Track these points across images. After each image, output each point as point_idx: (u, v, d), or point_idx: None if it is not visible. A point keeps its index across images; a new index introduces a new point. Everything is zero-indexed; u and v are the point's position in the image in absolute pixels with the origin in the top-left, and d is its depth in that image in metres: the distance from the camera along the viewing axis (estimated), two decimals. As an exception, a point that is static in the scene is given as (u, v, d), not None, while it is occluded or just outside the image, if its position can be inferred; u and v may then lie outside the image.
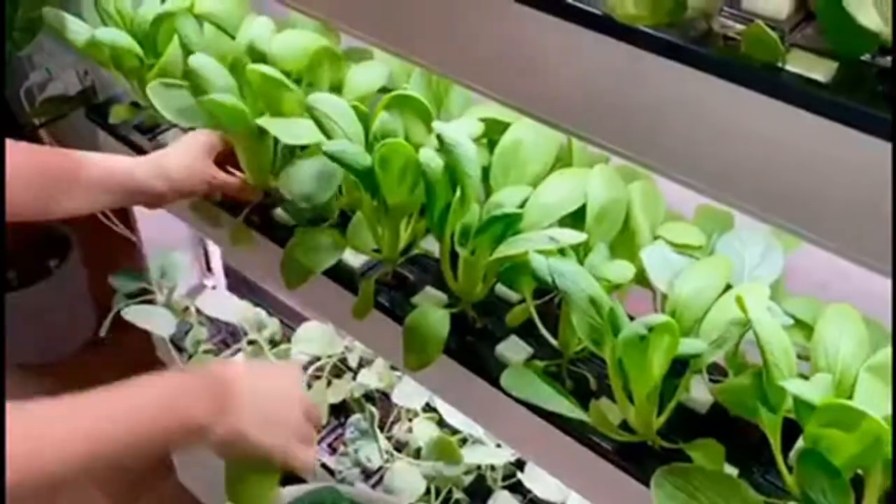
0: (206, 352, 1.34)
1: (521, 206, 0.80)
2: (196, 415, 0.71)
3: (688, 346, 0.68)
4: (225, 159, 1.00)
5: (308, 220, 0.93)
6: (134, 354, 1.52)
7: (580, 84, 0.59)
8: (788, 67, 0.51)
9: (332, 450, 1.20)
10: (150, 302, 1.37)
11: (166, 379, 0.77)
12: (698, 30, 0.55)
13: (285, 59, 0.95)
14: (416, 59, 0.74)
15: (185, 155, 0.97)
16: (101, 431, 0.66)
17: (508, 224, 0.77)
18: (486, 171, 0.84)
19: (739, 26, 0.55)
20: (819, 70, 0.52)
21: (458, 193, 0.77)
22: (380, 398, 1.25)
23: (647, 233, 0.79)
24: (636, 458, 0.75)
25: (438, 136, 0.75)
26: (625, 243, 0.80)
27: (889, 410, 0.61)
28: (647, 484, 0.70)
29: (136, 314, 1.32)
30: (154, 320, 1.33)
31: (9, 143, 0.84)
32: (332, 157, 0.81)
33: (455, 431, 1.15)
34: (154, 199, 0.95)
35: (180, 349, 1.36)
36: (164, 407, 0.70)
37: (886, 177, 0.48)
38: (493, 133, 0.85)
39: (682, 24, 0.54)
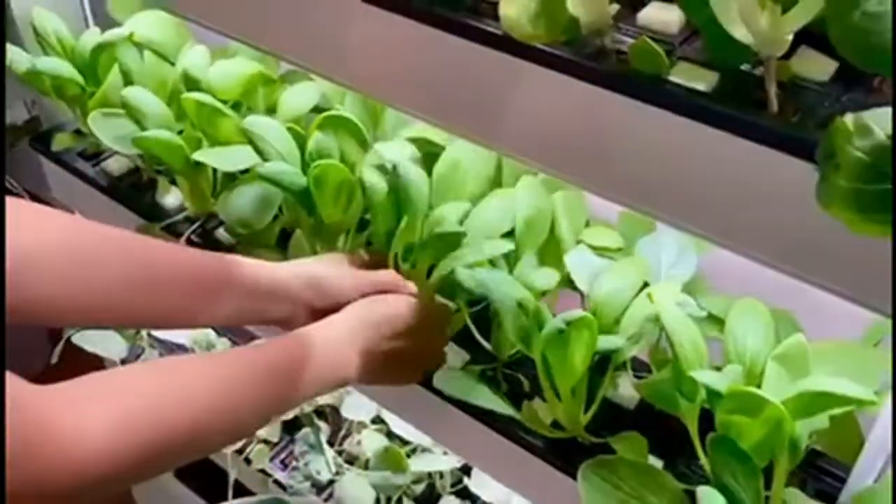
0: (158, 375, 1.35)
1: (461, 221, 0.84)
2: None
3: (606, 341, 0.72)
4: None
5: (249, 239, 0.95)
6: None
7: (491, 99, 0.63)
8: (673, 78, 0.56)
9: (284, 465, 1.22)
10: (101, 327, 1.38)
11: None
12: (593, 46, 0.59)
13: (221, 87, 0.98)
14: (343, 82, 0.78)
15: (328, 262, 0.84)
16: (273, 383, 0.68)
17: (449, 242, 0.81)
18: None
19: (633, 41, 0.60)
20: (702, 80, 0.56)
21: (405, 221, 0.81)
22: (331, 413, 1.27)
23: (571, 239, 0.83)
24: (565, 454, 0.78)
25: (392, 166, 0.78)
26: (551, 250, 0.84)
27: (791, 394, 0.65)
28: (576, 478, 0.73)
29: (87, 340, 1.34)
30: (105, 345, 1.34)
31: (146, 241, 0.76)
32: (268, 179, 0.84)
33: (404, 442, 1.17)
34: (291, 317, 0.80)
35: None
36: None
37: (762, 176, 0.52)
38: (422, 151, 0.89)
39: (577, 41, 0.59)
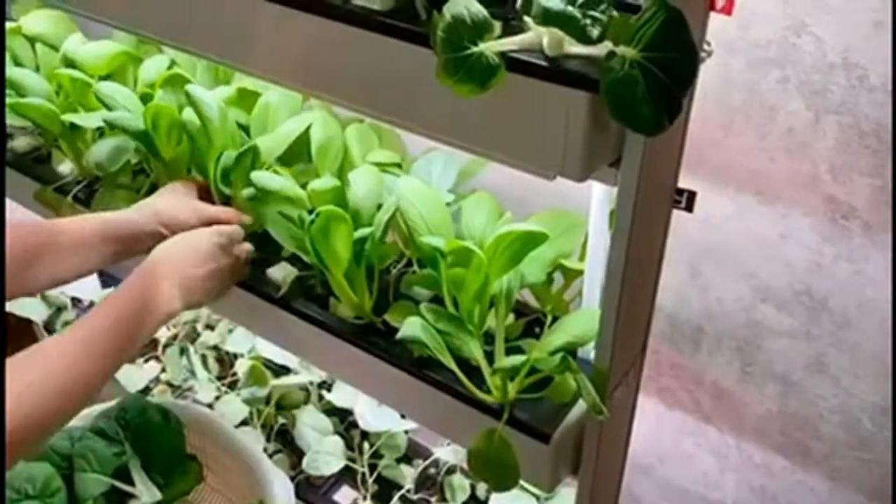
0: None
1: (269, 149, 1.02)
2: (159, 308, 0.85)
3: (362, 231, 0.89)
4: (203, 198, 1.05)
5: (108, 181, 1.13)
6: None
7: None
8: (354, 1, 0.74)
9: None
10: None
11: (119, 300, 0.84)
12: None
13: (91, 64, 1.16)
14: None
15: (170, 196, 1.01)
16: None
17: (254, 156, 0.98)
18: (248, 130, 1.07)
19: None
20: (376, 1, 0.74)
21: (216, 149, 0.99)
22: (225, 354, 1.44)
23: (361, 161, 1.02)
24: (364, 336, 0.94)
25: (187, 94, 0.97)
26: (347, 171, 1.02)
27: (491, 240, 0.80)
28: (369, 352, 0.91)
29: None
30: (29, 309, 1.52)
31: None
32: (112, 124, 1.02)
33: (274, 365, 1.35)
34: (154, 241, 0.93)
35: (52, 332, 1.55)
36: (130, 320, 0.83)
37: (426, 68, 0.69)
38: (245, 99, 1.08)
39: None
